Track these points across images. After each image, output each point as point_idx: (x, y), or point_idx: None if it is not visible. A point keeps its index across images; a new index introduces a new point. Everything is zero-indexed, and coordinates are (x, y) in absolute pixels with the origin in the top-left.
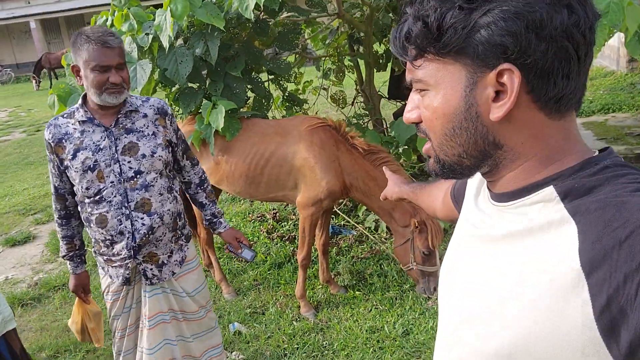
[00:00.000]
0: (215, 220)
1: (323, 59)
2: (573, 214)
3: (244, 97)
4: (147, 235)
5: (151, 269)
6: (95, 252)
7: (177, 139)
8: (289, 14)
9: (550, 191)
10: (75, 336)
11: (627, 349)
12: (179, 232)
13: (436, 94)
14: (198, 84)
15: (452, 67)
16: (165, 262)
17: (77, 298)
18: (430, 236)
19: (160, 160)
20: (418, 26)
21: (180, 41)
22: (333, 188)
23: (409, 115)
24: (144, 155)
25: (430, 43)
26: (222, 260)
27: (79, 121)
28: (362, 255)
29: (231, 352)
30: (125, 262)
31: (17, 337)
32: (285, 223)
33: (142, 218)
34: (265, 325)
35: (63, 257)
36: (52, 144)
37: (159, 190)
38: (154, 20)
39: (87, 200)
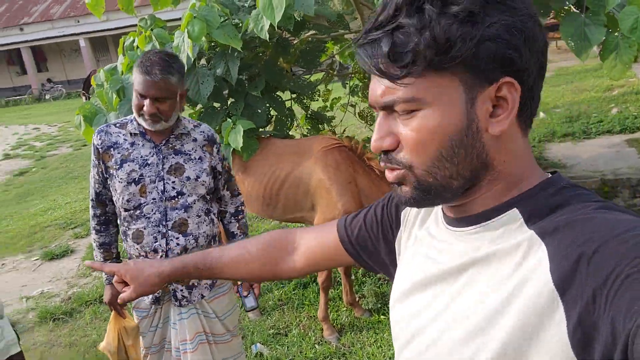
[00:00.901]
0: None
1: (350, 76)
2: (541, 235)
3: (264, 116)
4: (179, 256)
5: (181, 290)
6: None
7: (222, 168)
8: (312, 32)
9: (514, 214)
10: (109, 358)
11: None
12: None
13: (433, 111)
14: (220, 104)
15: (448, 81)
16: (196, 284)
17: (112, 315)
18: None
19: (203, 185)
20: (425, 38)
21: (203, 61)
22: (350, 210)
23: (382, 142)
24: (188, 178)
25: (436, 55)
26: None
27: (130, 133)
28: (389, 279)
29: None
30: None
31: None
32: None
33: (177, 238)
34: (287, 347)
35: (91, 267)
36: (100, 150)
37: (197, 212)
38: None
39: (125, 214)
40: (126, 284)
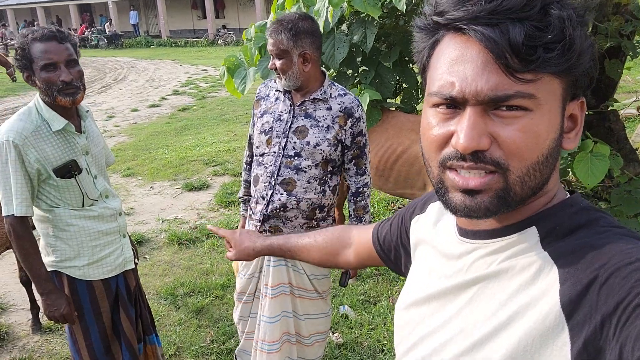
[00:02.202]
0: None
1: None
2: (555, 258)
3: (392, 87)
4: (277, 210)
5: None
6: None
7: (352, 143)
8: None
9: (532, 232)
10: (236, 275)
11: None
12: (314, 223)
13: (542, 114)
14: (352, 70)
15: (557, 87)
16: None
17: None
18: None
19: (321, 153)
20: (563, 40)
21: (344, 27)
22: None
23: (478, 142)
24: (308, 143)
25: (567, 61)
26: None
27: (277, 89)
28: None
29: (333, 333)
30: (256, 224)
31: (134, 276)
32: None
33: (281, 194)
34: (373, 316)
35: (239, 197)
36: (256, 98)
37: (308, 179)
38: None
39: (255, 157)
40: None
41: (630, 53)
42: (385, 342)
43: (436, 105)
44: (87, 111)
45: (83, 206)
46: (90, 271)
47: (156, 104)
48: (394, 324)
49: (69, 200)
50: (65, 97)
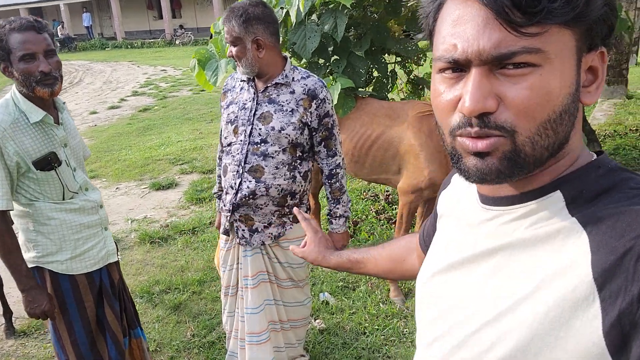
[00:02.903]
0: (329, 218)
1: None
2: (584, 223)
3: (364, 76)
4: (247, 198)
5: (243, 230)
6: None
7: (319, 125)
8: None
9: (557, 196)
10: (218, 271)
11: None
12: (286, 210)
13: (552, 70)
14: (324, 60)
15: (568, 39)
16: (259, 230)
17: None
18: None
19: (286, 138)
20: None
21: (314, 17)
22: (435, 178)
23: (485, 103)
24: (273, 128)
25: (573, 10)
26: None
27: (241, 79)
28: None
29: (315, 320)
30: (227, 214)
31: (117, 270)
32: (396, 206)
33: (250, 181)
34: (353, 301)
35: (214, 194)
36: (222, 91)
37: (276, 164)
38: None
39: (224, 148)
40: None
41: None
42: (367, 324)
43: (442, 70)
44: (64, 103)
45: (64, 199)
46: (73, 265)
47: (115, 105)
48: (416, 299)
49: (49, 194)
50: (44, 87)
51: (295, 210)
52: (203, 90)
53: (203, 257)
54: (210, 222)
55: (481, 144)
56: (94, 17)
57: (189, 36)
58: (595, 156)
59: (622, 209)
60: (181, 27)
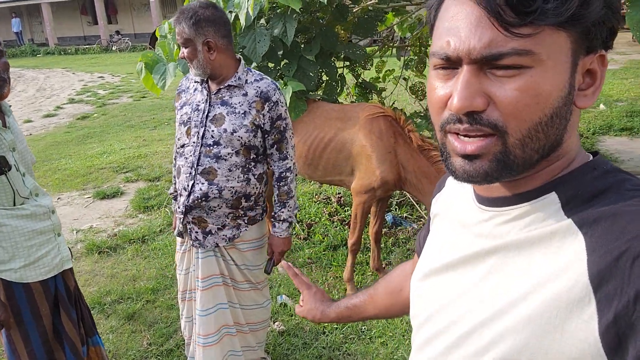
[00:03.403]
0: (272, 221)
1: (407, 49)
2: (580, 225)
3: (315, 80)
4: (199, 200)
5: (196, 232)
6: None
7: (271, 128)
8: (373, 0)
9: (552, 198)
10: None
11: None
12: (241, 212)
13: (544, 71)
14: (274, 64)
15: (563, 41)
16: (213, 232)
17: None
18: None
19: (239, 140)
20: None
21: (262, 21)
22: (387, 178)
23: (473, 101)
24: (225, 130)
25: (568, 10)
26: None
27: (195, 80)
28: None
29: (274, 322)
30: (180, 216)
31: (72, 277)
32: (348, 208)
33: (202, 183)
34: None
35: (170, 194)
36: (177, 92)
37: (229, 167)
38: None
39: (177, 150)
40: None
41: None
42: (326, 324)
43: (437, 66)
44: (10, 106)
45: (14, 205)
46: (27, 273)
47: (51, 113)
48: (410, 298)
49: None
50: None
51: (284, 264)
52: (144, 97)
53: (155, 266)
54: (161, 230)
55: (470, 147)
56: (24, 23)
57: (126, 42)
58: (591, 157)
59: (618, 211)
60: (118, 32)
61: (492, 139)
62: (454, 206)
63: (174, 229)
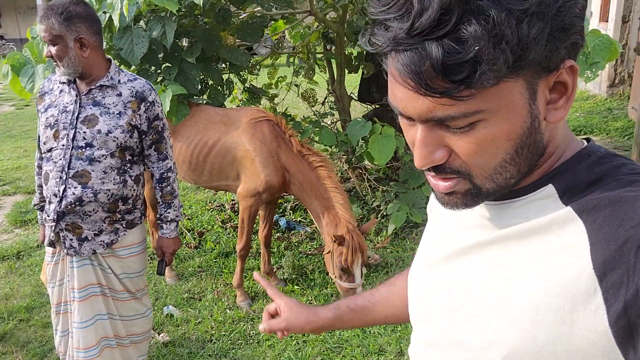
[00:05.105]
0: (160, 222)
1: (294, 56)
2: (579, 212)
3: (197, 83)
4: (73, 205)
5: (71, 240)
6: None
7: (149, 128)
8: (256, 7)
9: (549, 190)
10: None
11: None
12: (118, 216)
13: (497, 120)
14: (155, 67)
15: (512, 85)
16: (89, 238)
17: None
18: (346, 252)
19: (114, 141)
20: (494, 46)
21: (141, 23)
22: (272, 182)
23: (434, 157)
24: (99, 131)
25: (505, 64)
26: None
27: (60, 81)
28: (310, 252)
29: (158, 334)
30: (51, 224)
31: None
32: None
33: (75, 187)
34: (199, 310)
35: (34, 206)
36: (39, 94)
37: (104, 169)
38: None
39: (43, 155)
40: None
41: None
42: (214, 332)
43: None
44: None
45: None
46: None
47: None
48: (408, 296)
49: None
50: None
51: (255, 276)
52: (28, 105)
53: (30, 282)
54: (38, 245)
55: (442, 186)
56: None
57: (11, 47)
58: (585, 144)
59: (618, 197)
60: (1, 37)
61: (459, 179)
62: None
63: (42, 241)
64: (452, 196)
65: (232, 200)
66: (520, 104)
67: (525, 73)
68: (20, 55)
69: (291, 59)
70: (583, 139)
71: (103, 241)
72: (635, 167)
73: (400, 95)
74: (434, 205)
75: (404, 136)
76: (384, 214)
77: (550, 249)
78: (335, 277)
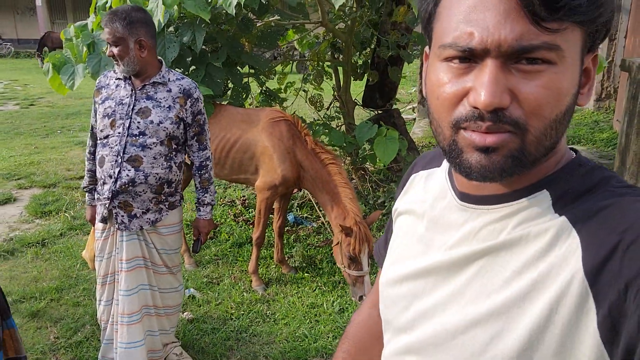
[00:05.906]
0: (197, 205)
1: (306, 63)
2: (573, 222)
3: (221, 86)
4: (126, 185)
5: (122, 216)
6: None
7: (193, 121)
8: (275, 17)
9: (543, 196)
10: (89, 264)
11: (625, 354)
12: (163, 197)
13: (565, 68)
14: (183, 70)
15: (578, 38)
16: (138, 215)
17: (92, 229)
18: (354, 242)
19: (164, 131)
20: None
21: (171, 29)
22: (287, 176)
23: (502, 98)
24: (152, 122)
25: (592, 6)
26: (188, 235)
27: (117, 77)
28: (317, 244)
29: (183, 312)
30: (105, 202)
31: None
32: (252, 210)
33: (129, 170)
34: (218, 293)
35: (83, 188)
36: (96, 88)
37: (154, 155)
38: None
39: (99, 141)
40: None
41: (407, 61)
42: (233, 311)
43: (449, 58)
44: None
45: None
46: None
47: None
48: (381, 299)
49: None
50: None
51: None
52: (33, 105)
53: (58, 267)
54: (62, 234)
55: (490, 139)
56: None
57: (9, 48)
58: (574, 154)
59: (609, 205)
60: None
61: (511, 135)
62: (426, 204)
63: (91, 220)
64: (494, 155)
65: (243, 196)
66: (578, 65)
67: (584, 36)
68: (61, 55)
69: (309, 66)
70: (570, 148)
71: (149, 219)
72: (623, 181)
73: (491, 18)
74: (404, 209)
75: (406, 139)
76: (385, 212)
77: (545, 257)
78: (344, 266)
